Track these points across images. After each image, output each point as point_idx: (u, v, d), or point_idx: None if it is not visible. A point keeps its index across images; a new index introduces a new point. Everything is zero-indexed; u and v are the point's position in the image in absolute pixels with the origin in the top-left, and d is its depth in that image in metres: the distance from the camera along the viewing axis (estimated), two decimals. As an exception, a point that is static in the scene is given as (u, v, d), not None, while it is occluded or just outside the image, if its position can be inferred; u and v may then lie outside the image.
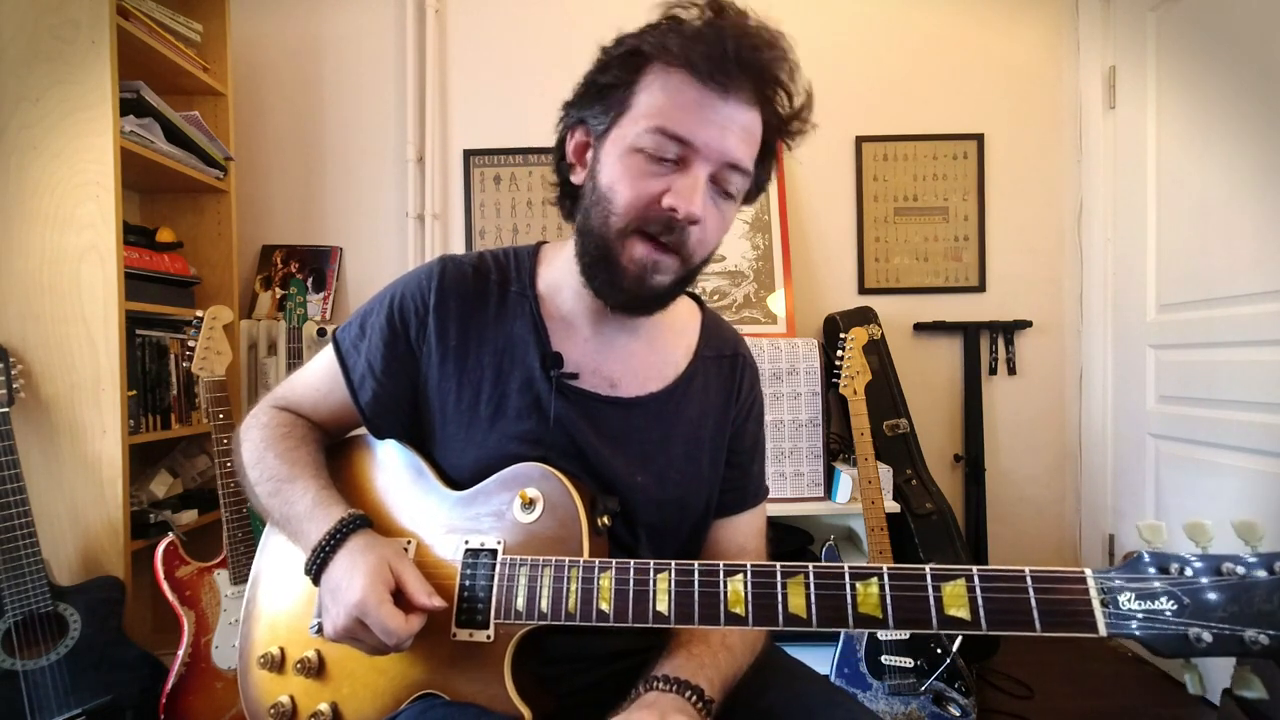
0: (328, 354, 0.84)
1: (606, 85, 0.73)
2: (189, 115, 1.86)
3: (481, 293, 0.81)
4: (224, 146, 1.99)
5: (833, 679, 1.58)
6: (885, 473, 1.85)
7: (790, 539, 1.97)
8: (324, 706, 0.73)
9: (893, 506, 1.81)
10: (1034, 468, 2.30)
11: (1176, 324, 1.92)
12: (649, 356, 0.83)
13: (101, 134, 1.56)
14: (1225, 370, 1.74)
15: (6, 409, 1.41)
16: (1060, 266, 2.29)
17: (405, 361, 0.80)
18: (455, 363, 0.79)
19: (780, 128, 0.74)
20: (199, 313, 1.64)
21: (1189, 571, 0.53)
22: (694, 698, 0.65)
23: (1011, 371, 2.28)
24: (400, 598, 0.67)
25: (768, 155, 0.76)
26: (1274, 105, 1.59)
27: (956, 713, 1.52)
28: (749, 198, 0.79)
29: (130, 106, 1.67)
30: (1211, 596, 0.52)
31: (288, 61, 2.28)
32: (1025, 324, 2.26)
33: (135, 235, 1.78)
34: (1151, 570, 0.54)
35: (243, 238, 2.16)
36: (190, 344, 1.62)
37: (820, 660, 1.64)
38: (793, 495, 1.86)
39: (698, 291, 0.95)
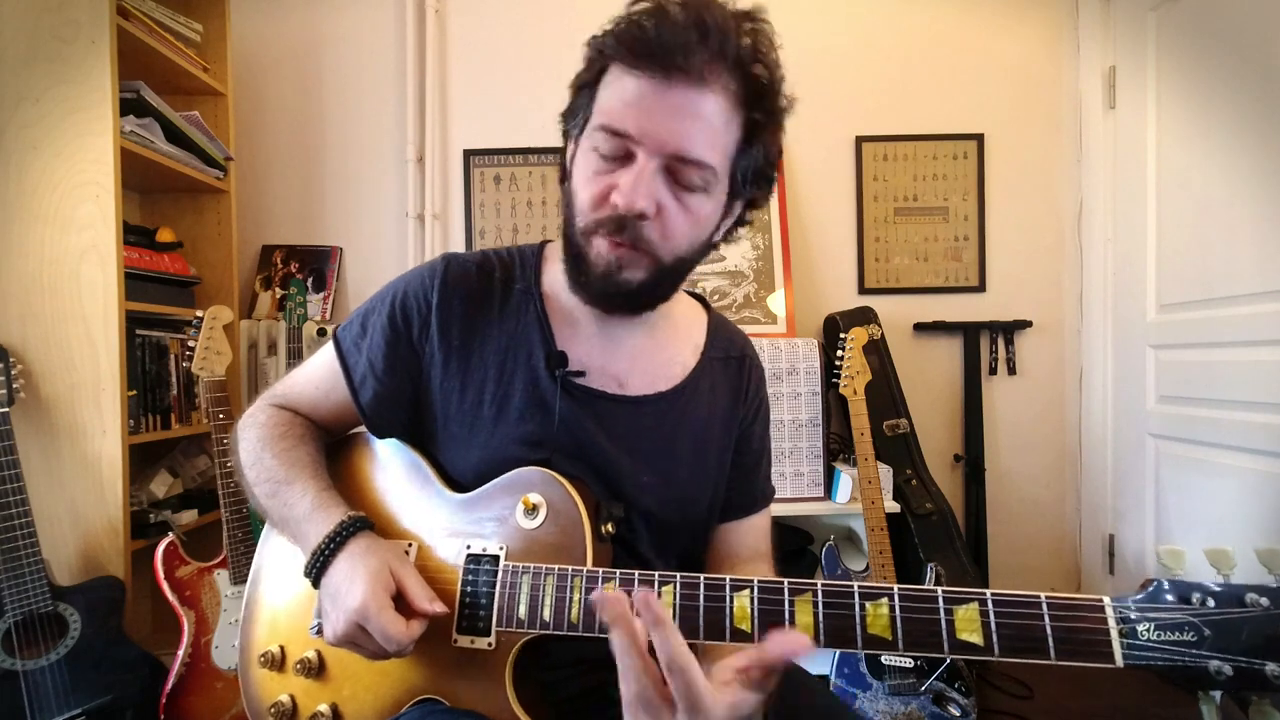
0: (328, 352, 0.83)
1: (580, 89, 0.72)
2: (189, 115, 1.86)
3: (485, 291, 0.80)
4: (224, 146, 1.99)
5: (833, 679, 1.58)
6: (885, 473, 1.85)
7: (790, 539, 1.97)
8: (324, 707, 0.72)
9: (893, 506, 1.81)
10: (1034, 468, 2.29)
11: (1177, 324, 1.92)
12: (656, 355, 0.82)
13: (101, 134, 1.55)
14: (1225, 370, 1.74)
15: (6, 409, 1.40)
16: (1060, 266, 2.29)
17: (407, 361, 0.78)
18: (458, 362, 0.77)
19: (759, 103, 0.67)
20: (199, 313, 1.64)
21: (1211, 602, 0.51)
22: None
23: (1011, 371, 2.28)
24: (401, 602, 0.66)
25: (756, 138, 0.69)
26: (1274, 105, 1.59)
27: (956, 713, 1.52)
28: (752, 188, 0.73)
29: (130, 106, 1.67)
30: (1233, 629, 0.50)
31: (288, 61, 2.27)
32: (1025, 324, 2.26)
33: (135, 235, 1.77)
34: (1172, 599, 0.52)
35: (243, 238, 2.16)
36: (190, 344, 1.62)
37: (820, 660, 1.64)
38: (793, 495, 1.86)
39: (698, 292, 0.94)
